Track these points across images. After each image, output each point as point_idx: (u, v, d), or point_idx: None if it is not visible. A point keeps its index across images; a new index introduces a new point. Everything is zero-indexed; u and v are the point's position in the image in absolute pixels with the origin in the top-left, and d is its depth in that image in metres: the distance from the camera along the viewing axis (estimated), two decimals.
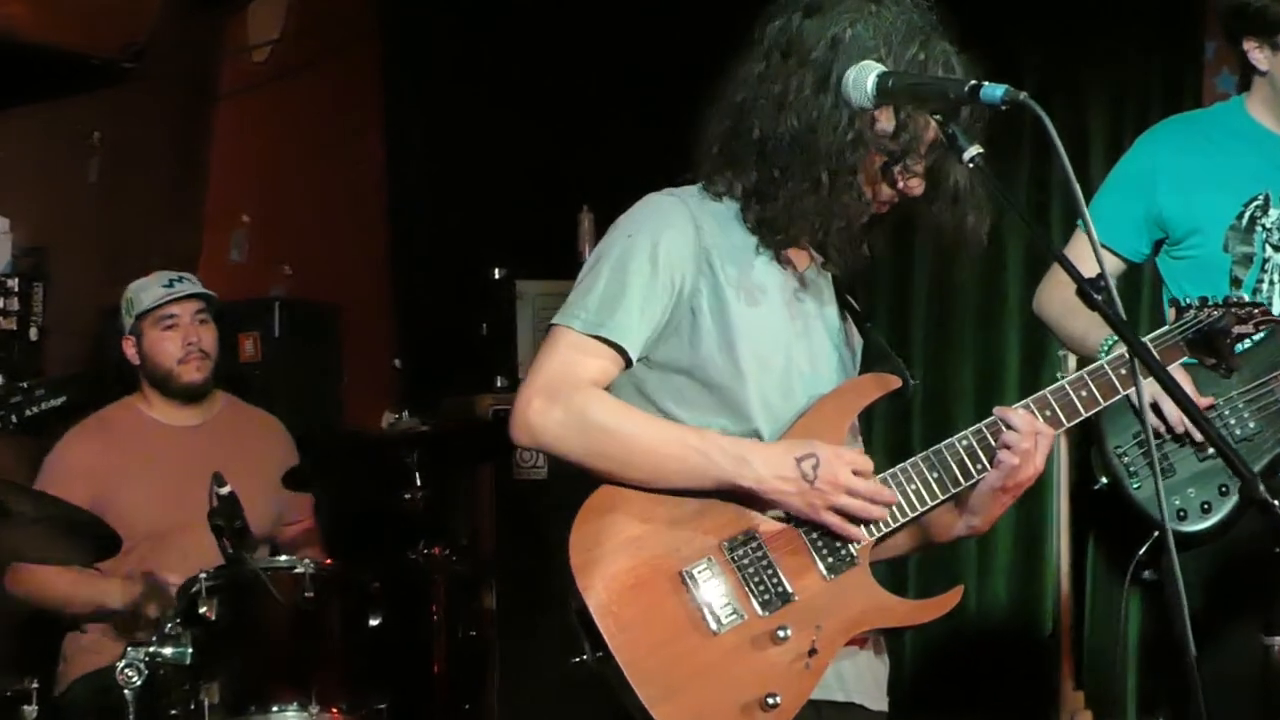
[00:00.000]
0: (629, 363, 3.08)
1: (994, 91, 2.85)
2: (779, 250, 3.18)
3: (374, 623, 4.59)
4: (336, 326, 6.44)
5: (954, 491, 3.13)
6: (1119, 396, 3.26)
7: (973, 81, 2.88)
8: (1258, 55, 4.39)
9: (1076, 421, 3.22)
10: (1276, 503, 2.69)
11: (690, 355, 3.11)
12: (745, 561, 3.02)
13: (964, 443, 3.13)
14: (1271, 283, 4.33)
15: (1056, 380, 5.30)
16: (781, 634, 2.98)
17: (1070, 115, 5.93)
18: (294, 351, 6.27)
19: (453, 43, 6.37)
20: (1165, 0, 6.02)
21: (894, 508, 3.09)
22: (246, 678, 4.44)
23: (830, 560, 3.07)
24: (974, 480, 3.12)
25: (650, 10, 6.10)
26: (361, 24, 6.52)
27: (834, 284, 3.32)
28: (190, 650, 4.34)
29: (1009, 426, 3.11)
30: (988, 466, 3.11)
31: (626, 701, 2.92)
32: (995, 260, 6.06)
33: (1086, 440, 4.41)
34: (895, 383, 3.21)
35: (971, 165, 2.89)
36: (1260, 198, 4.35)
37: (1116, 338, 4.25)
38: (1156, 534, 4.15)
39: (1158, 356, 3.23)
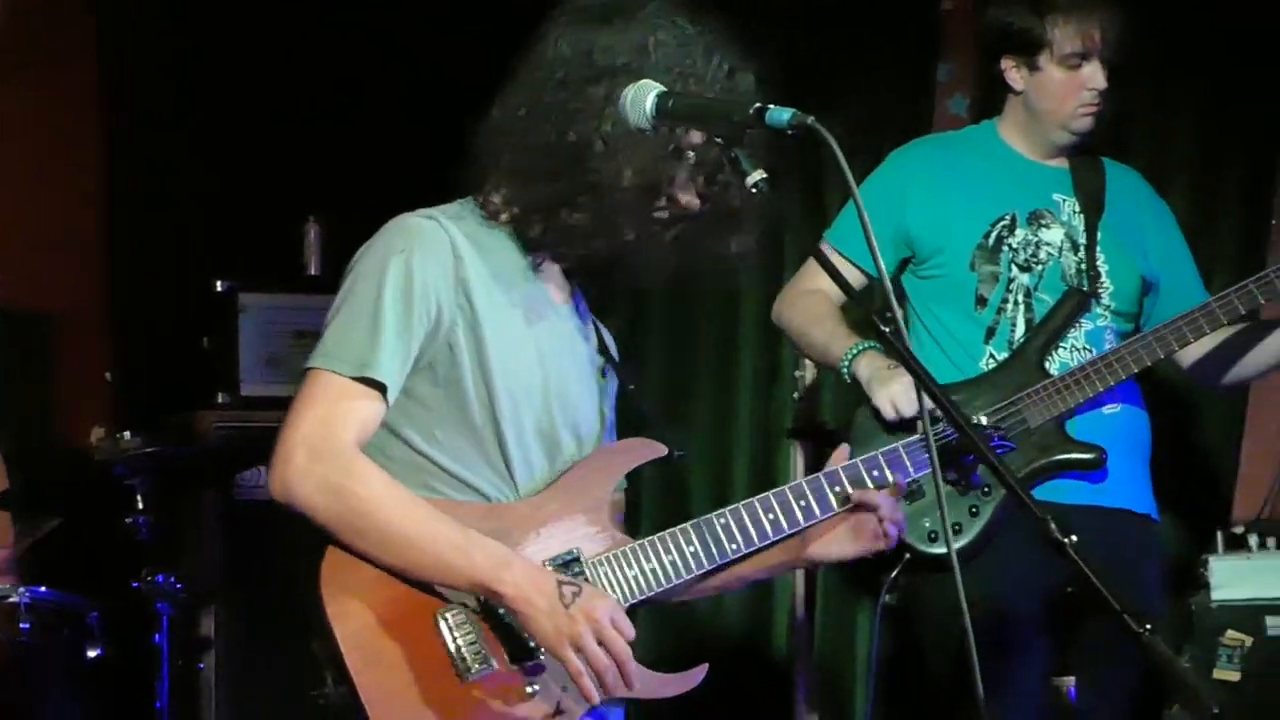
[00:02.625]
0: (389, 402, 2.91)
1: (780, 115, 2.75)
2: (553, 271, 3.07)
3: (93, 655, 4.39)
4: (47, 337, 6.17)
5: (721, 562, 3.08)
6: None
7: (758, 104, 2.79)
8: (1015, 75, 4.42)
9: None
10: (1068, 541, 2.66)
11: (446, 394, 2.96)
12: (500, 611, 2.89)
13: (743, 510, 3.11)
14: (1015, 303, 4.37)
15: (793, 399, 5.43)
16: (530, 689, 2.90)
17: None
18: (1, 363, 5.99)
19: (175, 45, 6.14)
20: (900, 23, 6.05)
21: (651, 574, 3.03)
22: None
23: None
24: (739, 555, 3.09)
25: (381, 18, 5.96)
26: (77, 25, 6.25)
27: (595, 331, 3.23)
28: None
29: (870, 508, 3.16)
30: (742, 547, 3.07)
31: None
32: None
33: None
34: (659, 450, 3.13)
35: (755, 190, 2.79)
36: (1007, 218, 4.38)
37: (858, 350, 4.26)
38: (908, 557, 4.15)
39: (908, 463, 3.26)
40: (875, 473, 3.22)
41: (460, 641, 2.86)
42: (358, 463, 2.85)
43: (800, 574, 5.46)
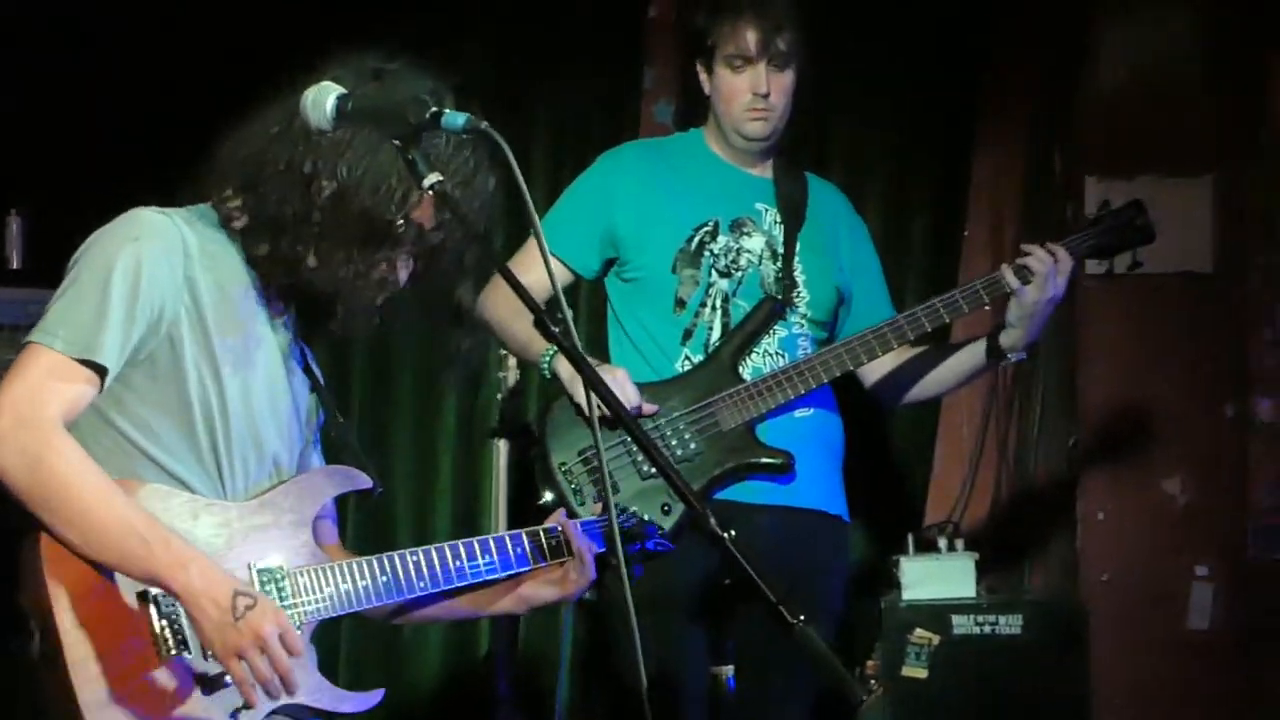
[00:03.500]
0: (104, 385, 2.97)
1: (455, 119, 2.91)
2: (272, 291, 3.17)
3: None
4: None
5: (409, 596, 3.27)
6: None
7: (434, 108, 2.93)
8: (702, 79, 4.55)
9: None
10: (726, 535, 2.79)
11: (165, 389, 3.03)
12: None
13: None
14: (714, 307, 4.46)
15: (497, 399, 5.45)
16: (226, 680, 2.97)
17: (512, 140, 5.92)
18: None
19: None
20: (605, 27, 6.14)
21: (345, 595, 3.18)
22: None
23: None
24: (426, 593, 3.29)
25: (85, 11, 5.86)
26: None
27: (302, 355, 3.32)
28: None
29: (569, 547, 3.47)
30: (429, 586, 3.27)
31: (59, 705, 2.85)
32: None
33: (529, 455, 4.46)
34: (366, 482, 3.29)
35: (431, 191, 2.93)
36: (710, 224, 4.47)
37: (557, 349, 4.31)
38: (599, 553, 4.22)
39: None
40: (554, 542, 3.47)
41: (164, 621, 2.93)
42: (58, 437, 2.89)
43: None
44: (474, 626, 5.94)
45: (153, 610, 2.92)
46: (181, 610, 2.93)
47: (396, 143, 2.96)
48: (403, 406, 6.11)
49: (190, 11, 5.79)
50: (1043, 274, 4.29)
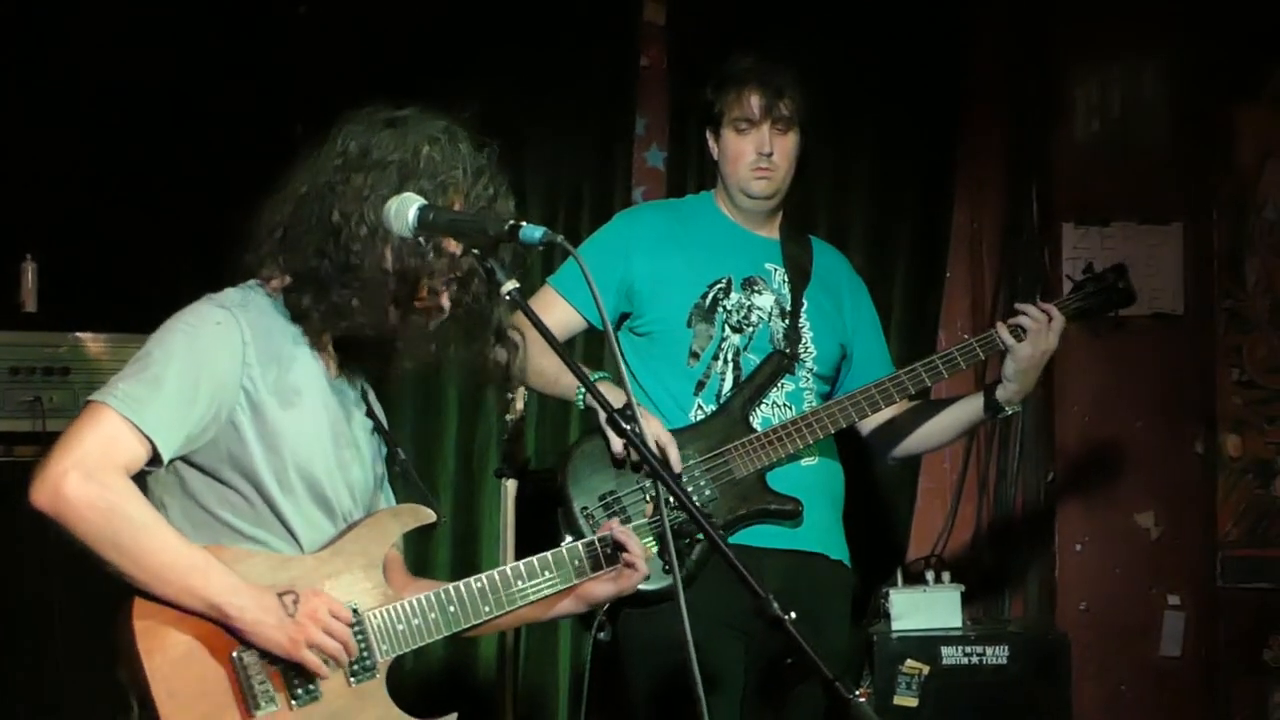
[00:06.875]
0: (157, 460, 3.16)
1: (533, 233, 3.10)
2: (319, 340, 3.35)
3: None
4: None
5: (477, 622, 3.46)
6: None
7: (511, 221, 3.12)
8: (711, 145, 4.76)
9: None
10: (787, 618, 3.02)
11: (235, 465, 3.24)
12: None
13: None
14: (725, 360, 4.65)
15: (501, 440, 5.59)
16: None
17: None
18: None
19: None
20: (598, 74, 6.28)
21: (418, 629, 3.37)
22: None
23: (355, 668, 3.30)
24: (492, 616, 3.47)
25: (103, 59, 5.96)
26: None
27: (364, 399, 3.51)
28: None
29: (624, 548, 3.62)
30: (494, 610, 3.45)
31: None
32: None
33: (552, 501, 4.62)
34: (429, 516, 3.48)
35: (508, 297, 3.15)
36: (723, 282, 4.67)
37: (594, 380, 4.37)
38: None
39: None
40: (608, 550, 3.66)
41: (252, 680, 3.16)
42: (131, 488, 3.12)
43: None
44: (476, 662, 6.12)
45: (239, 670, 3.15)
46: (264, 668, 3.16)
47: (475, 252, 3.17)
48: (405, 448, 6.21)
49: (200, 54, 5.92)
50: (1035, 331, 4.49)
